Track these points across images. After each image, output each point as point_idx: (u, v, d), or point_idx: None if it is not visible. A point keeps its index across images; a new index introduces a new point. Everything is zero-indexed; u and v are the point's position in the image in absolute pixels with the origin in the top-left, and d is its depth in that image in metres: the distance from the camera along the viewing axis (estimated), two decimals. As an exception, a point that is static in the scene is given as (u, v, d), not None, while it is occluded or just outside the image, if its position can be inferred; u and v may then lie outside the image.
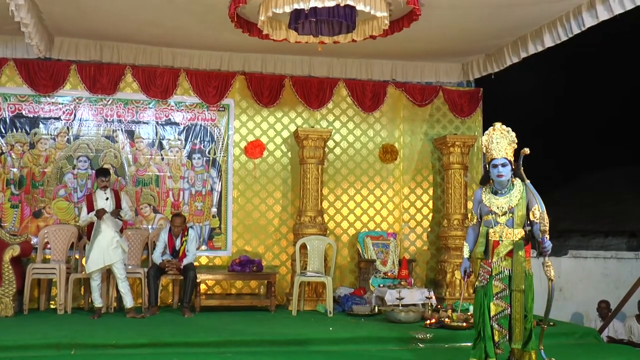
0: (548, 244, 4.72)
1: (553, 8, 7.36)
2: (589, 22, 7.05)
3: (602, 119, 21.39)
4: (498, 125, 5.01)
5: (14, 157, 8.69)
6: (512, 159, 4.92)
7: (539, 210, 4.74)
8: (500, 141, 4.91)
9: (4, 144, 8.67)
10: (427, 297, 8.12)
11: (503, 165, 4.86)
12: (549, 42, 7.83)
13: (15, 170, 8.69)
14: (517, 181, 4.92)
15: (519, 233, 4.87)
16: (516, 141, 4.95)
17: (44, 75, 8.70)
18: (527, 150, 4.80)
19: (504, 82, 10.15)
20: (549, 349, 6.63)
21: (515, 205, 4.86)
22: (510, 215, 4.85)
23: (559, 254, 10.66)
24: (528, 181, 4.86)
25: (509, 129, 4.99)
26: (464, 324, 7.11)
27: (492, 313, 4.85)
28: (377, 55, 9.48)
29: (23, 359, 5.79)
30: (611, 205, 17.12)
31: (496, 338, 4.86)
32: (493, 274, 4.88)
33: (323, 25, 7.28)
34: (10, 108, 8.73)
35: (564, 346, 6.86)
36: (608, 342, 8.06)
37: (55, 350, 6.01)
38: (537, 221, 4.77)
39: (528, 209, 4.85)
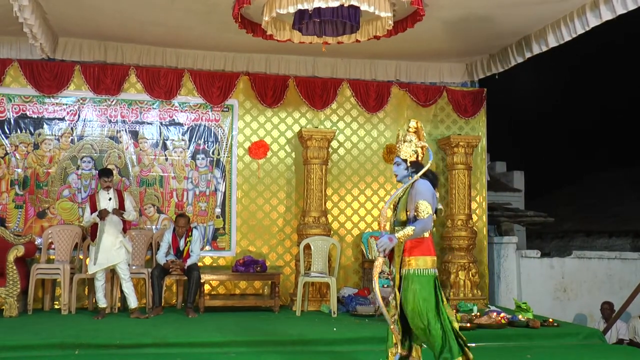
0: (379, 242, 4.54)
1: (557, 8, 7.35)
2: (593, 22, 7.04)
3: (607, 120, 21.38)
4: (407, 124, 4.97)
5: (18, 157, 8.71)
6: (408, 158, 4.78)
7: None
8: (402, 140, 4.87)
9: (8, 145, 8.69)
10: (431, 298, 8.09)
11: (396, 164, 4.84)
12: (553, 42, 7.82)
13: (19, 170, 8.71)
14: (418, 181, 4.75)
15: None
16: (412, 140, 4.81)
17: (48, 76, 8.72)
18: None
19: (508, 82, 10.15)
20: (553, 349, 6.66)
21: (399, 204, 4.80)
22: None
23: (563, 255, 10.66)
24: (418, 179, 4.68)
25: (413, 126, 4.88)
26: (468, 325, 7.10)
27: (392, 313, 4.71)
28: (381, 56, 9.47)
29: (28, 359, 5.80)
30: (615, 206, 17.09)
31: (394, 340, 4.72)
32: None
33: (327, 25, 7.27)
34: (15, 109, 8.75)
35: (568, 347, 6.86)
36: (626, 344, 8.04)
37: (59, 350, 6.02)
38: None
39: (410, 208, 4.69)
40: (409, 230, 4.48)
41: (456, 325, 4.66)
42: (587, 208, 17.78)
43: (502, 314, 7.57)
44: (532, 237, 16.01)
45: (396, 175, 4.85)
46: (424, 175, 4.71)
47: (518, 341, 6.95)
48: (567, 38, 7.56)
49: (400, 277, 4.63)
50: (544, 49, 8.04)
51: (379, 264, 4.58)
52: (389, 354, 4.73)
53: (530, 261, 10.02)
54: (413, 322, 4.56)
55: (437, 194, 4.80)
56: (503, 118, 15.88)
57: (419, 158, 4.78)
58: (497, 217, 11.16)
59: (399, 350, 4.68)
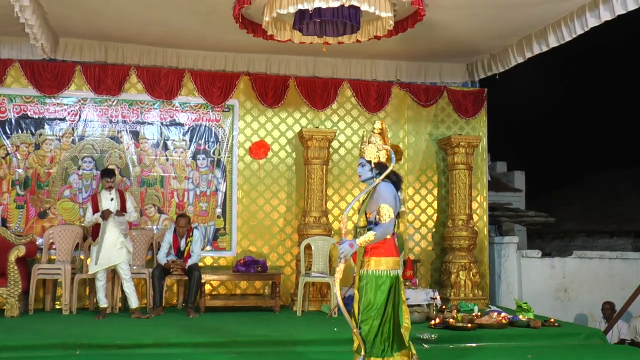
0: (340, 248, 4.55)
1: (557, 8, 7.35)
2: (592, 22, 7.05)
3: (607, 120, 21.36)
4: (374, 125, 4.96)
5: (19, 157, 8.72)
6: (372, 160, 4.75)
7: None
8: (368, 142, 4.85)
9: (10, 145, 8.70)
10: (431, 298, 8.11)
11: (360, 165, 4.83)
12: (553, 42, 7.82)
13: (20, 171, 8.71)
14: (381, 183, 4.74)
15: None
16: (376, 142, 4.78)
17: (48, 76, 8.73)
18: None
19: (508, 82, 10.15)
20: (554, 349, 6.66)
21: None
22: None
23: (564, 255, 10.65)
24: (381, 182, 4.68)
25: (378, 128, 4.87)
26: (469, 325, 7.10)
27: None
28: (382, 56, 9.47)
29: (28, 359, 5.81)
30: (616, 206, 17.09)
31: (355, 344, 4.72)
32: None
33: (327, 25, 7.27)
34: (16, 109, 8.75)
35: (570, 347, 6.86)
36: (627, 345, 8.03)
37: (60, 350, 6.02)
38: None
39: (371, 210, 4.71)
40: (370, 235, 4.49)
41: (406, 327, 4.66)
42: (588, 208, 17.78)
43: (503, 314, 7.57)
44: (533, 237, 16.01)
45: (360, 176, 4.84)
46: (388, 178, 4.71)
47: (519, 341, 6.95)
48: (568, 38, 7.56)
49: (359, 277, 4.66)
50: (545, 49, 8.04)
51: (340, 269, 4.61)
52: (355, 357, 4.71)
53: (531, 261, 10.02)
54: (360, 315, 4.60)
55: (402, 196, 4.82)
56: (504, 118, 15.87)
57: (383, 160, 4.76)
58: (498, 217, 11.16)
59: (362, 352, 4.64)
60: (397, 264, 4.66)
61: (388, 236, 4.61)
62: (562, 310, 9.67)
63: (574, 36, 7.44)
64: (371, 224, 4.62)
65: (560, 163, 21.78)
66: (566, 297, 9.97)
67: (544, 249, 13.29)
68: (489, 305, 9.01)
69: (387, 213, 4.53)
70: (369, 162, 4.73)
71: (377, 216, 4.56)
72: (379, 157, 4.72)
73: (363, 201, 4.77)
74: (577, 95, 21.58)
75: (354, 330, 4.63)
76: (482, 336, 6.91)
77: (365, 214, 4.70)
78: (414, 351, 4.70)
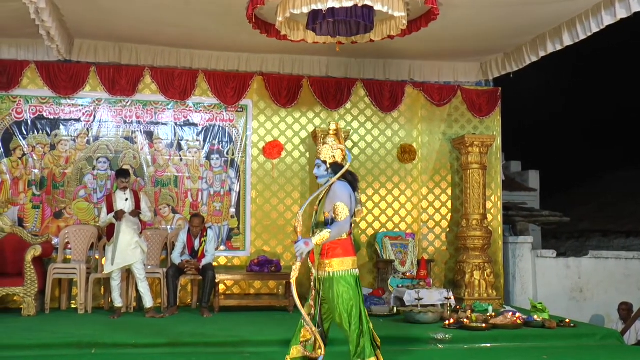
0: (295, 246, 4.57)
1: (572, 6, 7.29)
2: (608, 20, 6.98)
3: (621, 118, 21.18)
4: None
5: (35, 158, 8.79)
6: (328, 160, 4.79)
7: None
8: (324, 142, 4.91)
9: (26, 146, 8.78)
10: (445, 298, 8.07)
11: (317, 165, 4.87)
12: (568, 41, 7.75)
13: (36, 171, 8.79)
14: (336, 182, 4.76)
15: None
16: (331, 143, 4.83)
17: (64, 77, 8.80)
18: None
19: (523, 81, 10.09)
20: (570, 350, 6.61)
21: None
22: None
23: (579, 255, 10.57)
24: (336, 182, 4.71)
25: (333, 129, 4.92)
26: (484, 325, 7.06)
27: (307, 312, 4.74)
28: (395, 55, 9.45)
29: (45, 358, 5.85)
30: (632, 205, 16.94)
31: (302, 338, 4.76)
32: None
33: (341, 25, 7.27)
34: (32, 110, 8.83)
35: (586, 348, 6.80)
36: None
37: (76, 349, 6.07)
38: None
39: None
40: (326, 233, 4.54)
41: (371, 326, 4.74)
42: (604, 207, 17.64)
43: (518, 315, 7.52)
44: (548, 237, 15.91)
45: (317, 177, 4.91)
46: (343, 177, 4.76)
47: (534, 342, 6.90)
48: (582, 36, 7.49)
49: (321, 280, 4.68)
50: (559, 47, 7.97)
51: (297, 267, 4.64)
52: (293, 350, 4.77)
53: (546, 261, 9.95)
54: (335, 320, 4.66)
55: (358, 196, 4.85)
56: (518, 117, 15.79)
57: (339, 160, 4.82)
58: (512, 217, 11.09)
59: (322, 352, 4.69)
60: (355, 263, 4.76)
61: (344, 235, 4.69)
62: (577, 310, 9.59)
63: (589, 34, 7.37)
64: (327, 224, 4.67)
65: (575, 162, 21.63)
66: (582, 297, 9.89)
67: (559, 248, 13.20)
68: (504, 306, 8.95)
69: (342, 211, 4.59)
70: (325, 162, 4.81)
71: (333, 215, 4.62)
72: (334, 157, 4.80)
73: (319, 201, 4.82)
74: (592, 94, 21.43)
75: (314, 330, 4.66)
76: (497, 337, 6.87)
77: (323, 213, 4.74)
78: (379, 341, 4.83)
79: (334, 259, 4.66)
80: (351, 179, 4.83)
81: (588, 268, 10.01)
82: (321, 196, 4.81)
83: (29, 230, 8.59)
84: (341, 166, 4.79)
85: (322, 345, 4.68)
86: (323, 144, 4.87)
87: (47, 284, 8.06)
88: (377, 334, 6.79)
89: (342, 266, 4.66)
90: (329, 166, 4.79)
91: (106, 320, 7.48)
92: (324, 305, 4.75)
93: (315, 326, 4.67)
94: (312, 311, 4.76)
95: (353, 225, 4.80)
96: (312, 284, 4.81)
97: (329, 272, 4.66)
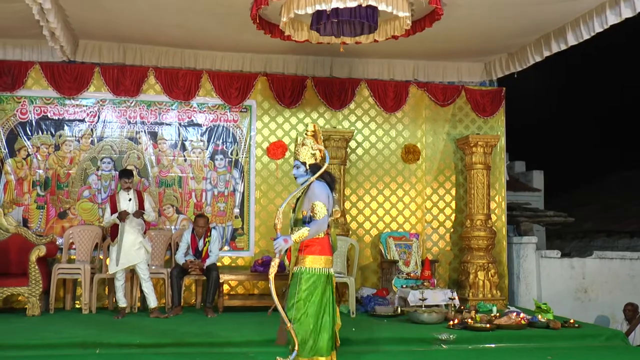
0: (275, 243, 4.63)
1: (576, 7, 7.28)
2: (612, 20, 6.96)
3: (627, 119, 21.13)
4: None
5: (39, 158, 8.81)
6: (307, 161, 4.88)
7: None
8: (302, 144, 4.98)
9: (30, 146, 8.80)
10: (450, 298, 8.08)
11: (295, 167, 4.95)
12: (572, 41, 7.74)
13: (41, 171, 8.81)
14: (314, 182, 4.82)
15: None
16: (310, 144, 4.91)
17: (68, 78, 8.81)
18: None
19: (527, 81, 10.07)
20: (574, 351, 6.60)
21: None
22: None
23: (584, 255, 10.54)
24: (315, 181, 4.78)
25: (311, 130, 5.01)
26: (488, 325, 7.05)
27: None
28: (399, 55, 9.44)
29: (49, 358, 5.87)
30: (637, 206, 16.88)
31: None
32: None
33: (345, 25, 7.26)
34: (36, 110, 8.85)
35: (590, 348, 6.79)
36: None
37: (80, 349, 6.08)
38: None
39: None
40: (304, 231, 4.62)
41: (338, 324, 4.82)
42: (608, 208, 17.59)
43: (522, 315, 7.51)
44: (552, 237, 15.87)
45: (296, 178, 4.98)
46: (321, 177, 4.83)
47: (538, 342, 6.89)
48: (587, 36, 7.48)
49: (293, 274, 4.78)
50: (563, 47, 7.96)
51: (275, 264, 4.68)
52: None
53: (550, 261, 9.93)
54: (289, 312, 4.70)
55: (336, 196, 4.90)
56: (523, 117, 15.76)
57: (317, 160, 4.89)
58: (517, 217, 11.09)
59: (297, 348, 4.71)
60: (331, 262, 4.83)
61: (322, 234, 4.75)
62: (582, 311, 9.57)
63: (593, 34, 7.35)
64: (305, 222, 4.73)
65: (580, 162, 21.58)
66: (586, 298, 9.87)
67: (563, 249, 13.16)
68: (508, 306, 8.95)
69: (321, 210, 4.67)
70: (304, 163, 4.89)
71: (311, 213, 4.69)
72: (314, 158, 4.89)
73: (297, 199, 4.89)
74: (597, 93, 21.39)
75: (288, 325, 4.69)
76: (501, 337, 6.87)
77: (302, 212, 4.81)
78: (338, 343, 4.90)
79: (309, 256, 4.75)
80: (329, 180, 4.91)
81: (592, 268, 9.99)
82: (299, 195, 4.89)
83: (33, 230, 8.61)
84: (320, 167, 4.85)
85: (296, 341, 4.69)
86: (302, 145, 4.94)
87: (52, 284, 8.08)
88: (382, 335, 6.84)
89: (314, 264, 4.74)
90: (308, 167, 4.87)
91: (110, 320, 7.49)
92: (288, 298, 4.79)
93: (290, 322, 4.70)
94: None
95: (331, 225, 4.85)
96: (289, 279, 4.86)
97: (300, 268, 4.76)
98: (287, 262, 4.89)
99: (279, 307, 4.74)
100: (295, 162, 4.96)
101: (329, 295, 4.76)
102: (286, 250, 4.73)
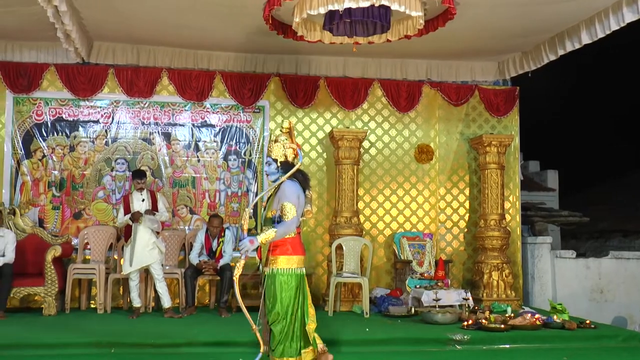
0: (240, 244, 4.60)
1: (591, 4, 7.22)
2: (629, 17, 6.87)
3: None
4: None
5: (55, 160, 8.89)
6: (278, 159, 4.84)
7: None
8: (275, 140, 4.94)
9: (46, 147, 8.87)
10: (464, 298, 8.04)
11: (267, 163, 4.91)
12: (586, 39, 7.66)
13: (56, 172, 8.88)
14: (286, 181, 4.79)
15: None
16: (283, 141, 4.86)
17: (83, 80, 8.88)
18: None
19: (540, 80, 10.01)
20: (590, 352, 6.54)
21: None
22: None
23: (600, 255, 10.45)
24: (286, 181, 4.74)
25: (285, 127, 4.97)
26: (502, 326, 7.01)
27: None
28: (412, 55, 9.42)
29: (65, 357, 5.92)
30: (653, 205, 16.71)
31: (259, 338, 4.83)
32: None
33: (357, 25, 7.25)
34: (52, 112, 8.93)
35: (607, 350, 6.73)
36: None
37: (95, 348, 6.12)
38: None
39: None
40: (271, 232, 4.57)
41: (312, 327, 4.78)
42: (624, 207, 17.42)
43: (537, 315, 7.46)
44: (567, 237, 15.75)
45: (267, 175, 4.93)
46: (294, 176, 4.78)
47: (554, 343, 6.84)
48: (601, 35, 7.39)
49: (265, 275, 4.75)
50: (577, 46, 7.89)
51: (240, 265, 4.65)
52: (302, 355, 4.75)
53: (565, 262, 9.86)
54: (268, 316, 4.70)
55: (309, 195, 4.88)
56: (537, 116, 15.65)
57: (289, 159, 4.85)
58: (531, 217, 11.01)
59: (262, 349, 4.74)
60: (303, 262, 4.80)
61: (292, 234, 4.72)
62: (597, 312, 9.48)
63: (608, 32, 7.27)
64: (274, 222, 4.70)
65: (595, 162, 21.41)
66: (602, 298, 9.78)
67: (579, 249, 13.07)
68: (523, 306, 8.90)
69: (290, 211, 4.63)
70: (275, 160, 4.84)
71: (280, 214, 4.65)
72: (286, 156, 4.84)
73: (268, 198, 4.85)
74: (610, 92, 21.21)
75: (253, 327, 4.70)
76: (516, 338, 6.82)
77: (271, 211, 4.78)
78: (320, 345, 4.87)
79: (281, 257, 4.71)
80: (302, 179, 4.88)
81: (609, 269, 9.90)
82: (270, 193, 4.85)
83: (49, 230, 8.68)
84: (292, 165, 4.83)
85: (262, 343, 4.72)
86: (275, 142, 4.90)
87: (67, 284, 8.14)
88: (395, 335, 6.82)
89: (287, 264, 4.71)
90: (279, 164, 4.83)
91: (125, 320, 7.54)
92: (267, 301, 4.79)
93: (256, 324, 4.71)
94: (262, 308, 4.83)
95: (302, 223, 4.84)
96: (261, 280, 4.86)
97: (272, 269, 4.72)
98: (258, 261, 4.86)
99: (244, 309, 4.77)
100: (267, 158, 4.92)
101: (301, 295, 4.72)
102: (255, 250, 4.68)
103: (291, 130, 4.98)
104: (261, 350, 4.72)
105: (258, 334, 4.72)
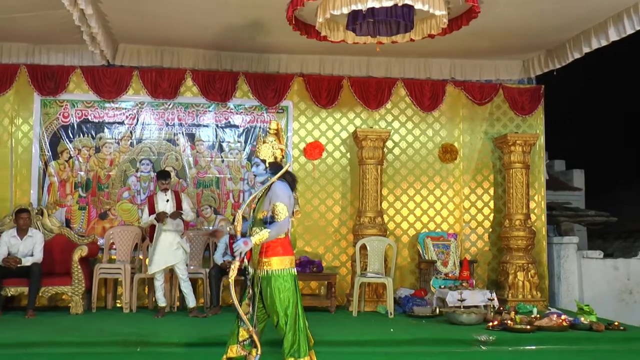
0: (234, 245, 4.61)
1: (619, 0, 7.10)
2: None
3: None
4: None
5: (81, 161, 9.00)
6: (266, 159, 4.83)
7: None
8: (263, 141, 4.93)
9: (72, 149, 8.99)
10: (489, 299, 7.97)
11: (255, 164, 4.91)
12: (613, 36, 7.54)
13: (82, 173, 9.00)
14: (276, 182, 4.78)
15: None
16: (271, 142, 4.85)
17: (108, 82, 8.98)
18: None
19: (565, 78, 9.88)
20: (619, 354, 6.43)
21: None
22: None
23: (628, 255, 10.29)
24: (276, 182, 4.75)
25: (273, 128, 4.95)
26: (528, 327, 6.94)
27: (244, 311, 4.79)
28: (436, 54, 9.37)
29: (92, 355, 5.98)
30: (683, 204, 16.41)
31: (240, 337, 4.83)
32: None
33: (381, 25, 7.23)
34: (78, 114, 9.04)
35: (637, 352, 6.60)
36: None
37: (121, 347, 6.17)
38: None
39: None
40: (265, 233, 4.58)
41: (306, 324, 4.81)
42: (652, 207, 17.12)
43: (564, 317, 7.37)
44: (594, 237, 15.52)
45: (255, 176, 4.95)
46: (282, 177, 4.78)
47: (581, 345, 6.73)
48: (630, 31, 7.27)
49: (259, 278, 4.76)
50: (604, 43, 7.76)
51: (235, 267, 4.66)
52: (230, 349, 4.86)
53: (592, 262, 9.72)
54: (272, 319, 4.73)
55: (296, 196, 4.91)
56: (562, 115, 15.47)
57: (278, 160, 4.86)
58: (557, 217, 10.89)
59: (259, 351, 4.74)
60: (292, 262, 4.84)
61: (282, 235, 4.74)
62: (627, 313, 9.33)
63: (638, 28, 7.16)
64: (266, 223, 4.69)
65: (622, 160, 21.09)
66: (631, 299, 9.63)
67: (606, 249, 12.87)
68: (549, 307, 8.80)
69: (282, 212, 4.64)
70: (264, 161, 4.85)
71: (272, 214, 4.66)
72: (274, 157, 4.85)
73: (258, 200, 4.85)
74: (637, 90, 20.86)
75: (250, 329, 4.72)
76: (542, 339, 6.74)
77: (262, 212, 4.78)
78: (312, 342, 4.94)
79: (273, 258, 4.73)
80: (290, 180, 4.90)
81: (638, 269, 9.74)
82: (260, 195, 4.85)
83: (75, 231, 8.80)
84: (280, 166, 4.85)
85: (258, 345, 4.73)
86: (263, 143, 4.90)
87: (94, 283, 8.25)
88: (420, 335, 6.79)
89: (280, 265, 4.74)
90: (267, 165, 4.84)
91: (150, 319, 7.60)
92: (260, 305, 4.81)
93: (252, 326, 4.73)
94: (250, 310, 4.84)
95: (290, 224, 4.85)
96: (249, 282, 4.86)
97: (267, 271, 4.74)
98: (246, 263, 4.84)
99: (240, 311, 4.79)
100: (255, 159, 4.92)
101: (296, 295, 4.77)
102: (246, 252, 4.71)
103: (279, 132, 4.99)
104: (258, 352, 4.74)
105: (255, 336, 4.74)
